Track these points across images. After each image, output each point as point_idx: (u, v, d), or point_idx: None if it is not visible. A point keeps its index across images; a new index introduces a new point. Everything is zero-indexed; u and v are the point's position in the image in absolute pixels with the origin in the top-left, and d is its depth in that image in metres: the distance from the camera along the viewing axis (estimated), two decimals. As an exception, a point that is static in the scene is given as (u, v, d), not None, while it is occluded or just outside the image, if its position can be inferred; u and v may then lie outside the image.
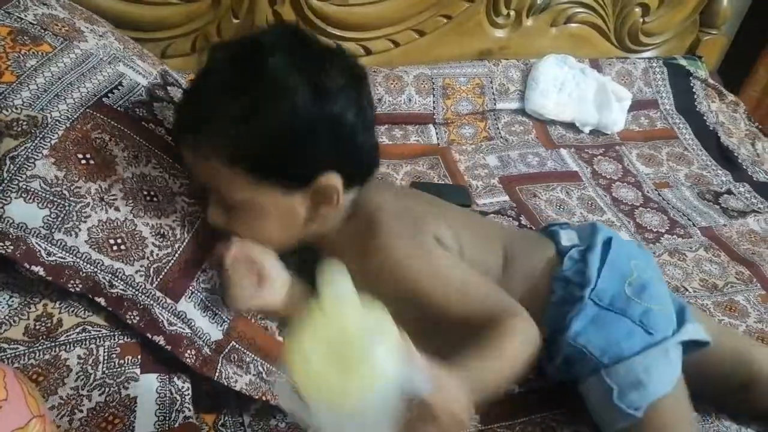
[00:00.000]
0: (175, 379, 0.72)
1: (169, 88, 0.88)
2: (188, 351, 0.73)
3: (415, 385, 0.49)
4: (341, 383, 0.47)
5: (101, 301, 0.71)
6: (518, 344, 0.67)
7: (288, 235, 0.77)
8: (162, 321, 0.73)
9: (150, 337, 0.72)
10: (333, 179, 0.72)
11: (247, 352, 0.77)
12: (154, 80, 0.87)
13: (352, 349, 0.47)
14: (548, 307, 0.83)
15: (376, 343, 0.48)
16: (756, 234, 1.25)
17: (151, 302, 0.73)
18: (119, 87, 0.81)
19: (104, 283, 0.71)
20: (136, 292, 0.72)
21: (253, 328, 0.79)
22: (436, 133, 1.39)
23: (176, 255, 0.75)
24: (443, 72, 1.44)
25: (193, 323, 0.75)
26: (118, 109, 0.78)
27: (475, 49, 1.50)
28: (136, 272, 0.72)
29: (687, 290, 1.07)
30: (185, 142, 0.73)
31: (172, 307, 0.74)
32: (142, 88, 0.84)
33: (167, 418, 0.67)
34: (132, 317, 0.72)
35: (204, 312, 0.76)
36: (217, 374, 0.73)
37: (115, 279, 0.71)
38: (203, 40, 1.26)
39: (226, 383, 0.74)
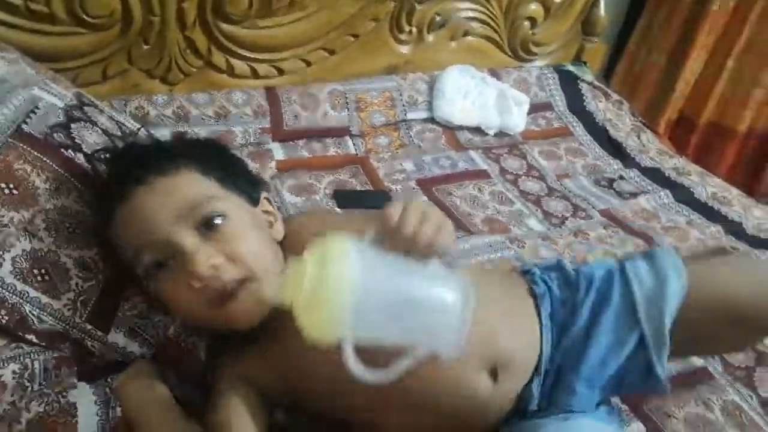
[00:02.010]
0: (109, 380, 0.73)
1: (85, 108, 0.90)
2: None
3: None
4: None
5: (32, 338, 0.72)
6: None
7: (270, 248, 0.75)
8: (94, 351, 0.75)
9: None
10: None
11: (172, 375, 0.78)
12: (69, 102, 0.89)
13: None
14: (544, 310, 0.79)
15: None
16: (647, 211, 1.39)
17: (83, 335, 0.75)
18: (36, 110, 0.82)
19: (32, 318, 0.72)
20: (67, 327, 0.74)
21: (179, 349, 0.80)
22: (354, 144, 1.46)
23: (101, 286, 0.77)
24: (355, 87, 1.52)
25: (125, 350, 0.77)
26: (38, 136, 0.79)
27: (383, 64, 1.59)
28: (64, 306, 0.73)
29: (590, 262, 1.17)
30: (156, 173, 0.70)
31: (102, 338, 0.75)
32: (59, 110, 0.85)
33: (107, 417, 0.68)
34: (65, 349, 0.74)
35: (134, 338, 0.77)
36: None
37: (44, 314, 0.72)
38: (114, 67, 1.28)
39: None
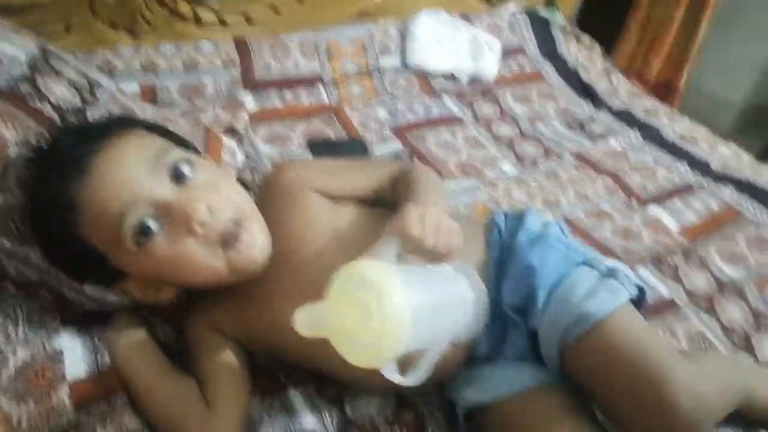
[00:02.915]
0: (94, 329, 0.74)
1: (50, 60, 0.88)
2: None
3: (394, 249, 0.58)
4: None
5: (10, 287, 0.73)
6: (425, 173, 0.78)
7: (243, 191, 0.73)
8: (72, 300, 0.76)
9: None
10: None
11: (155, 318, 0.80)
12: (33, 53, 0.87)
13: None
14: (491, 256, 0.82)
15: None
16: (617, 152, 1.42)
17: (59, 284, 0.75)
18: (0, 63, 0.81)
19: (10, 269, 0.72)
20: (43, 276, 0.74)
21: None
22: (327, 93, 1.45)
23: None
24: (325, 35, 1.50)
25: (102, 300, 0.77)
26: (2, 88, 0.77)
27: (354, 11, 1.57)
28: (38, 255, 0.73)
29: (562, 203, 1.21)
30: (107, 138, 0.66)
31: (79, 288, 0.76)
32: (23, 62, 0.83)
33: (96, 362, 0.70)
34: (43, 295, 0.74)
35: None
36: None
37: (22, 265, 0.73)
38: (77, 20, 1.24)
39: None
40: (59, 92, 0.82)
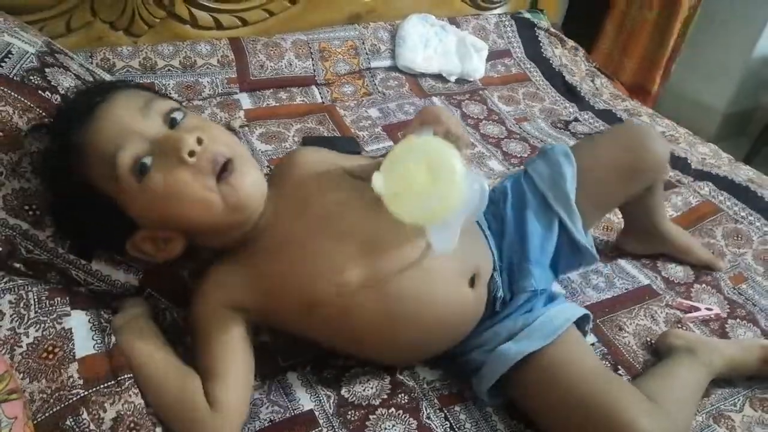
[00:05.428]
0: (102, 312, 0.78)
1: (56, 54, 0.91)
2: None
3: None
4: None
5: (20, 267, 0.76)
6: None
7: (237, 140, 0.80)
8: (80, 280, 0.79)
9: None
10: None
11: (162, 299, 0.84)
12: (41, 48, 0.90)
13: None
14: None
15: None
16: (600, 151, 1.47)
17: (67, 265, 0.79)
18: (9, 56, 0.84)
19: (21, 249, 0.76)
20: (51, 257, 0.78)
21: (163, 278, 0.85)
22: (320, 93, 1.49)
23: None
24: (318, 37, 1.54)
25: (110, 278, 0.81)
26: (15, 78, 0.81)
27: (345, 14, 1.62)
28: (48, 237, 0.77)
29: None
30: (113, 91, 0.74)
31: (86, 267, 0.80)
32: (32, 55, 0.87)
33: (104, 342, 0.73)
34: (52, 277, 0.78)
35: (116, 266, 0.82)
36: None
37: (30, 244, 0.76)
38: (78, 20, 1.28)
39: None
40: (67, 84, 0.85)
